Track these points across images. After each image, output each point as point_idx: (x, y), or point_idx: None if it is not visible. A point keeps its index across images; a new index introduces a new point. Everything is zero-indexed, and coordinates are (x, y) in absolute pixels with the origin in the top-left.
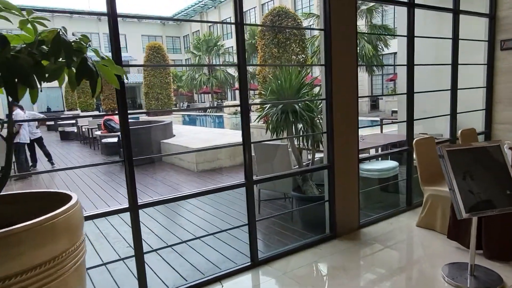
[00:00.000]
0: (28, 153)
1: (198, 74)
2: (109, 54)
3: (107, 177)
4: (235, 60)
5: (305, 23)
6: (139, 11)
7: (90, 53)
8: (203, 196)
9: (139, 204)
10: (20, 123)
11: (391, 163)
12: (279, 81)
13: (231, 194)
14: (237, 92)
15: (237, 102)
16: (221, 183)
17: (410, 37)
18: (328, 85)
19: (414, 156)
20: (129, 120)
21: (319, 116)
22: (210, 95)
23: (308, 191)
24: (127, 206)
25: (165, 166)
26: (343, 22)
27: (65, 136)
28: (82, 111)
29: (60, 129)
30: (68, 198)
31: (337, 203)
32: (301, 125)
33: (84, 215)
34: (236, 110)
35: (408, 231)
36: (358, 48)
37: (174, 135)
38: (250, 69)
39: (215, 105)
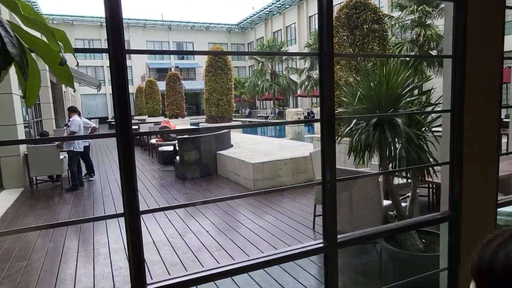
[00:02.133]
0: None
1: (261, 80)
2: (178, 62)
3: (157, 192)
4: (298, 66)
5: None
6: (206, 20)
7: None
8: (260, 217)
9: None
10: (74, 131)
11: None
12: (372, 83)
13: (295, 216)
14: (299, 99)
15: (300, 109)
16: (282, 208)
17: None
18: (457, 88)
19: None
20: (189, 127)
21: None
22: (272, 101)
23: (408, 242)
24: None
25: (219, 181)
26: None
27: None
28: (149, 116)
29: None
30: None
31: (464, 272)
32: (399, 146)
33: None
34: (299, 118)
35: None
36: (437, 51)
37: (232, 145)
38: (313, 75)
39: (277, 111)
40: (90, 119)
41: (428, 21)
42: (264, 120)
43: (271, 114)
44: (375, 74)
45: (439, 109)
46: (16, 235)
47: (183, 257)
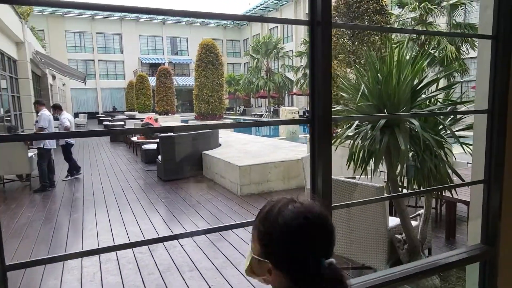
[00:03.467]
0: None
1: (256, 77)
2: (172, 58)
3: (134, 195)
4: (294, 64)
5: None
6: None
7: None
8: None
9: None
10: (43, 127)
11: None
12: (379, 75)
13: None
14: (295, 97)
15: (295, 108)
16: None
17: None
18: (499, 81)
19: None
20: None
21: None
22: (267, 99)
23: None
24: None
25: (203, 183)
26: None
27: (114, 138)
28: (139, 112)
29: None
30: None
31: None
32: (410, 153)
33: None
34: (294, 117)
35: None
36: (438, 50)
37: (220, 145)
38: (302, 73)
39: (272, 109)
40: (78, 114)
41: (430, 19)
42: (255, 119)
43: (266, 112)
44: (384, 63)
45: (463, 108)
46: None
47: (147, 280)
